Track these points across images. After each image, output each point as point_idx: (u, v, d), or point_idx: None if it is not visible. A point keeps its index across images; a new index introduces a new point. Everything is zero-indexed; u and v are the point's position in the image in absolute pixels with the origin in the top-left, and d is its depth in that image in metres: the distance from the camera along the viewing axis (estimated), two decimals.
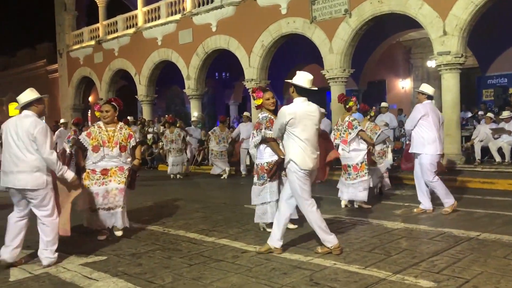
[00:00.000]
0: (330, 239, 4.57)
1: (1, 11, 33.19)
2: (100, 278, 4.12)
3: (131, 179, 5.77)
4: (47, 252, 4.55)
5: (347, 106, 7.15)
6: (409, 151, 6.92)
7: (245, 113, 13.32)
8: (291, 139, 4.55)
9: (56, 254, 4.62)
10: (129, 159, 5.77)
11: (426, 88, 6.73)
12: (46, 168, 4.49)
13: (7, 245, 4.53)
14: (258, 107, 5.60)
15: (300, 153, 4.50)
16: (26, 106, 4.60)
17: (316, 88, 4.79)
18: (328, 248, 4.57)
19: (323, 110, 5.70)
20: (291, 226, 5.61)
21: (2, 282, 4.14)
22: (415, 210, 6.72)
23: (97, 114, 5.88)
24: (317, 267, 4.22)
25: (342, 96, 7.38)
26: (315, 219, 4.56)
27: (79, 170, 5.76)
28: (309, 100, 4.69)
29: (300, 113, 4.52)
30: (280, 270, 4.18)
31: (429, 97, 6.64)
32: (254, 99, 5.63)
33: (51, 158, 4.47)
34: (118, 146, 5.63)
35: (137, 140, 5.88)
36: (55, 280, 4.15)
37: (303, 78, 4.63)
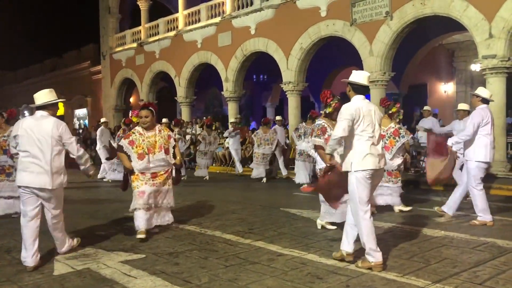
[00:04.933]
0: (374, 254, 4.26)
1: (49, 14, 34.57)
2: (138, 276, 4.22)
3: (176, 176, 5.97)
4: (61, 243, 4.91)
5: (390, 112, 7.07)
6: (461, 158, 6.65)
7: (278, 117, 13.16)
8: (355, 138, 4.33)
9: (70, 242, 5.01)
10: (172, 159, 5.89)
11: (482, 91, 6.46)
12: (64, 169, 4.70)
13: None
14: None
15: (363, 151, 4.28)
16: (42, 106, 4.71)
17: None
18: (370, 263, 4.26)
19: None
20: (330, 226, 5.76)
21: (47, 275, 4.30)
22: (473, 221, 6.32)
23: (134, 119, 5.95)
24: (353, 273, 4.17)
25: (385, 100, 7.25)
26: (366, 229, 4.26)
27: (127, 174, 5.79)
28: (347, 102, 4.64)
29: (364, 110, 4.35)
30: (315, 275, 4.15)
31: (484, 101, 6.35)
32: (326, 106, 5.66)
33: (80, 154, 4.82)
34: (163, 150, 5.71)
35: (174, 138, 6.05)
36: (96, 276, 4.27)
37: (360, 76, 4.52)
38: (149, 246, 5.27)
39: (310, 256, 4.74)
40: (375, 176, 4.39)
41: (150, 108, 5.80)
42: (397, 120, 7.44)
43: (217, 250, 5.07)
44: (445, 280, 3.94)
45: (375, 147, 4.36)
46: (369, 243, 4.25)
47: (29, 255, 4.50)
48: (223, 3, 17.54)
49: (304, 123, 11.32)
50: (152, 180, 5.65)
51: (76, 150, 4.79)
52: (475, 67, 14.96)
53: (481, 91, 6.43)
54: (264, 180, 11.85)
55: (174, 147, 5.91)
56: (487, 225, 6.07)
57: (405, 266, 4.34)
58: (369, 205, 4.34)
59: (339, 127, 4.30)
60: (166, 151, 5.76)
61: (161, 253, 4.97)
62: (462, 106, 8.21)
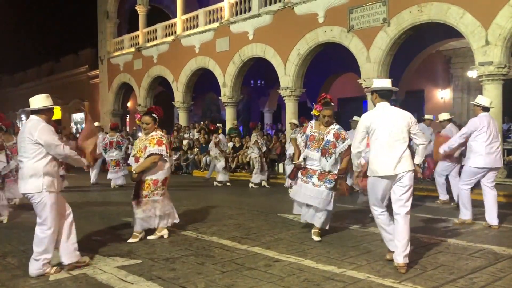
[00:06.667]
0: (391, 252, 4.61)
1: (47, 18, 34.60)
2: (135, 281, 4.20)
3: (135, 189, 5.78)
4: (33, 262, 4.41)
5: None
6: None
7: (293, 121, 13.04)
8: (371, 144, 4.59)
9: (46, 267, 4.44)
10: (157, 171, 5.63)
11: (481, 99, 6.59)
12: (42, 173, 4.35)
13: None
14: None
15: (374, 158, 4.52)
16: (36, 111, 4.54)
17: (397, 89, 4.87)
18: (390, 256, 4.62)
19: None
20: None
21: (43, 281, 4.28)
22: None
23: (137, 122, 5.94)
24: (350, 279, 4.16)
25: None
26: (379, 226, 4.71)
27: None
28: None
29: (379, 118, 4.52)
30: (312, 281, 4.14)
31: (485, 109, 6.49)
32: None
33: (67, 153, 4.47)
34: (133, 158, 5.69)
35: (151, 153, 5.52)
36: (92, 281, 4.25)
37: (383, 82, 4.68)
38: (146, 252, 5.25)
39: (307, 262, 4.73)
40: (391, 181, 4.47)
41: (153, 115, 5.70)
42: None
43: (214, 255, 5.06)
44: (442, 287, 3.94)
45: (387, 154, 4.44)
46: (385, 239, 4.69)
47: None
48: (221, 8, 17.60)
49: (300, 128, 11.30)
50: None
51: (59, 150, 4.41)
52: (472, 73, 15.05)
53: (482, 100, 6.58)
54: (252, 185, 11.87)
55: (148, 156, 5.53)
56: (465, 223, 6.54)
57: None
58: (384, 206, 4.62)
59: (355, 140, 4.64)
60: (136, 160, 5.64)
61: (158, 259, 4.95)
62: (443, 116, 8.58)
